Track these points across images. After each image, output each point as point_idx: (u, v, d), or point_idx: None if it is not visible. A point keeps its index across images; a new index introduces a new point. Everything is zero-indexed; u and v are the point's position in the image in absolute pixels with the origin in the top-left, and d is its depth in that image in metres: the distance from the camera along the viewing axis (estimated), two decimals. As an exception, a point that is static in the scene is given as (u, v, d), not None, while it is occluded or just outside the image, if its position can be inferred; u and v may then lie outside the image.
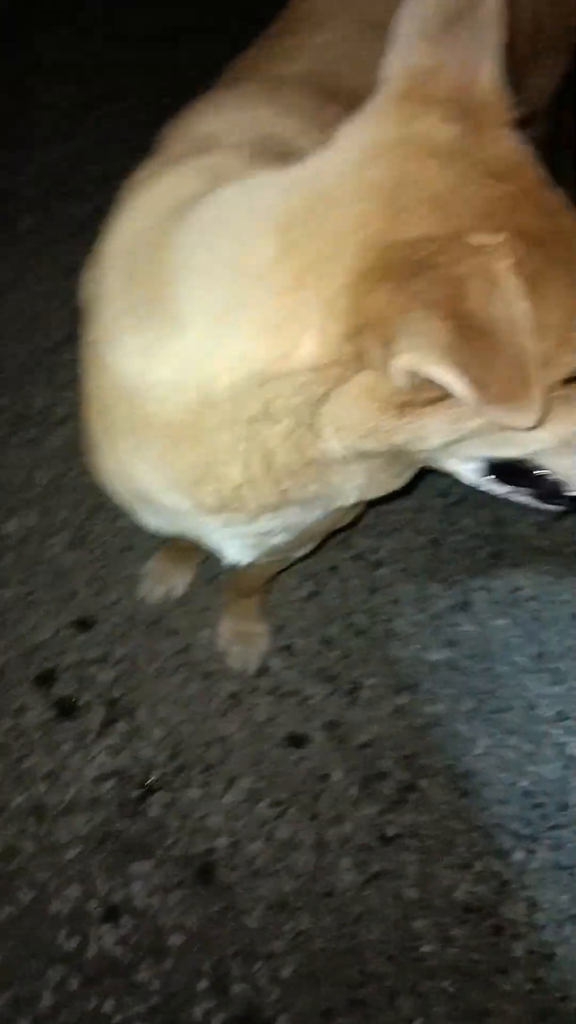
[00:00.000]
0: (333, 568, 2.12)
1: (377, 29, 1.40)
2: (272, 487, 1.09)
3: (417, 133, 0.93)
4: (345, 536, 2.14)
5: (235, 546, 1.37)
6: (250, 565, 1.50)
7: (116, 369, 1.09)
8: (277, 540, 1.34)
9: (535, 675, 2.03)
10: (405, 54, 0.97)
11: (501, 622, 2.08)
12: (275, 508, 1.15)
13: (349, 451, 1.01)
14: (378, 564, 2.13)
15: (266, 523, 1.22)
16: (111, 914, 1.78)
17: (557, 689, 2.02)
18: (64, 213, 2.57)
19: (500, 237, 0.85)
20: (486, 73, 0.96)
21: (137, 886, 1.81)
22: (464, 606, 2.10)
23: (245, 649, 1.99)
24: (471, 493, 2.20)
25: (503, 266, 0.83)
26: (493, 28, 0.95)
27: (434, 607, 2.09)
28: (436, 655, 2.04)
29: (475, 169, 0.91)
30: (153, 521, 1.37)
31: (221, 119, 1.25)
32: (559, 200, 0.96)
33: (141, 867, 1.82)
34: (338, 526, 1.58)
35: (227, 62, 1.55)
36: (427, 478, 2.20)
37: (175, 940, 1.77)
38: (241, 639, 1.99)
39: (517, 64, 1.64)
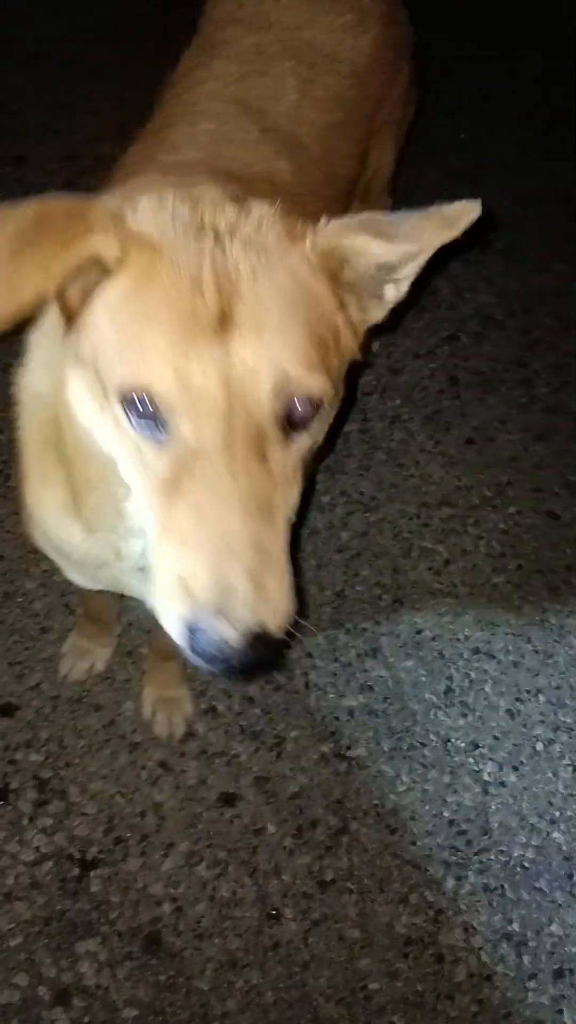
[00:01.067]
0: (246, 629, 2.21)
1: (250, 111, 1.59)
2: (101, 504, 1.24)
3: None
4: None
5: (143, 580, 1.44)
6: None
7: (38, 395, 1.30)
8: None
9: (445, 710, 2.16)
10: None
11: (409, 663, 2.21)
12: (128, 527, 1.26)
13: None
14: (289, 621, 2.23)
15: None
16: (62, 997, 1.77)
17: (467, 720, 2.15)
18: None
19: None
20: None
21: (85, 965, 1.81)
22: (373, 652, 2.22)
23: (169, 715, 2.04)
24: (368, 546, 2.35)
25: None
26: None
27: (346, 656, 2.20)
28: (352, 701, 2.15)
29: None
30: (79, 577, 1.50)
31: None
32: None
33: (87, 945, 1.83)
34: None
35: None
36: (323, 534, 2.34)
37: (129, 1014, 1.78)
38: (165, 706, 2.05)
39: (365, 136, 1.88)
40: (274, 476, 1.04)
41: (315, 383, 1.05)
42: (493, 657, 2.23)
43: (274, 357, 1.02)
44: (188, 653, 1.01)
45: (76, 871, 1.90)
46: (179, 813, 1.98)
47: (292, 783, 2.03)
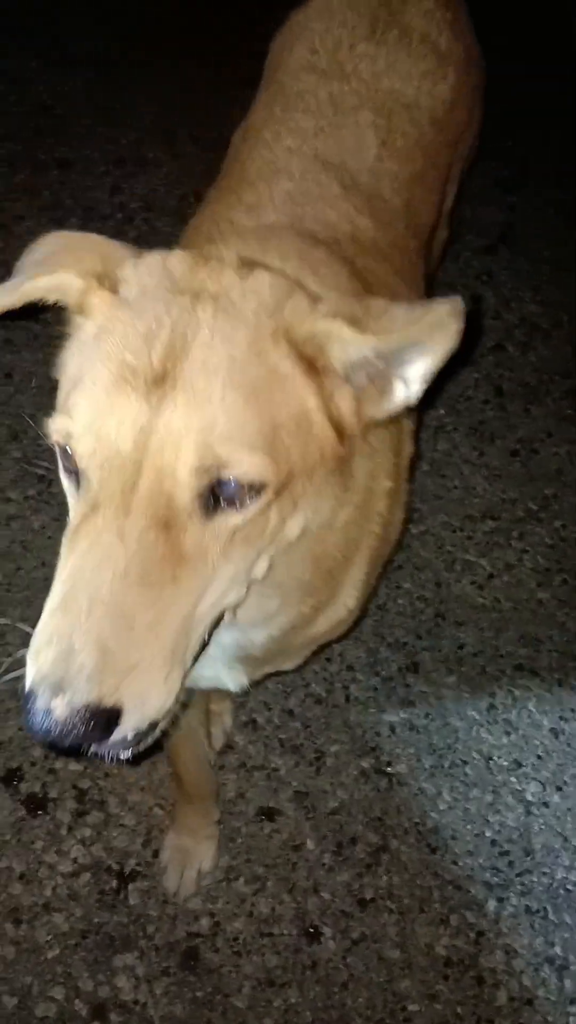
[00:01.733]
0: (287, 641, 2.19)
1: (330, 168, 1.54)
2: None
3: None
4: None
5: (232, 672, 1.39)
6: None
7: None
8: (258, 644, 1.33)
9: (488, 727, 2.12)
10: None
11: (451, 679, 2.18)
12: None
13: None
14: (329, 633, 2.21)
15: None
16: (98, 1012, 1.76)
17: (510, 739, 2.11)
18: None
19: None
20: None
21: (122, 979, 1.80)
22: (414, 667, 2.18)
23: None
24: (410, 558, 2.32)
25: None
26: None
27: (387, 670, 2.17)
28: (393, 716, 2.12)
29: None
30: None
31: None
32: None
33: (125, 959, 1.81)
34: (324, 638, 1.53)
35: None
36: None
37: (165, 1030, 1.76)
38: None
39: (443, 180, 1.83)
40: (182, 551, 0.96)
41: (250, 465, 0.97)
42: (537, 675, 2.19)
43: (203, 428, 0.95)
44: (24, 722, 0.93)
45: (114, 883, 1.89)
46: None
47: (332, 799, 2.01)
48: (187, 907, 1.87)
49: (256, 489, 0.98)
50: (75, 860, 1.90)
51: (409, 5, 1.80)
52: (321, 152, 1.59)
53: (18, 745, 2.00)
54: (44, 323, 2.66)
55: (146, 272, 1.07)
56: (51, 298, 1.08)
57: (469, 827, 2.01)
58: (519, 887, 1.95)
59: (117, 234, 2.86)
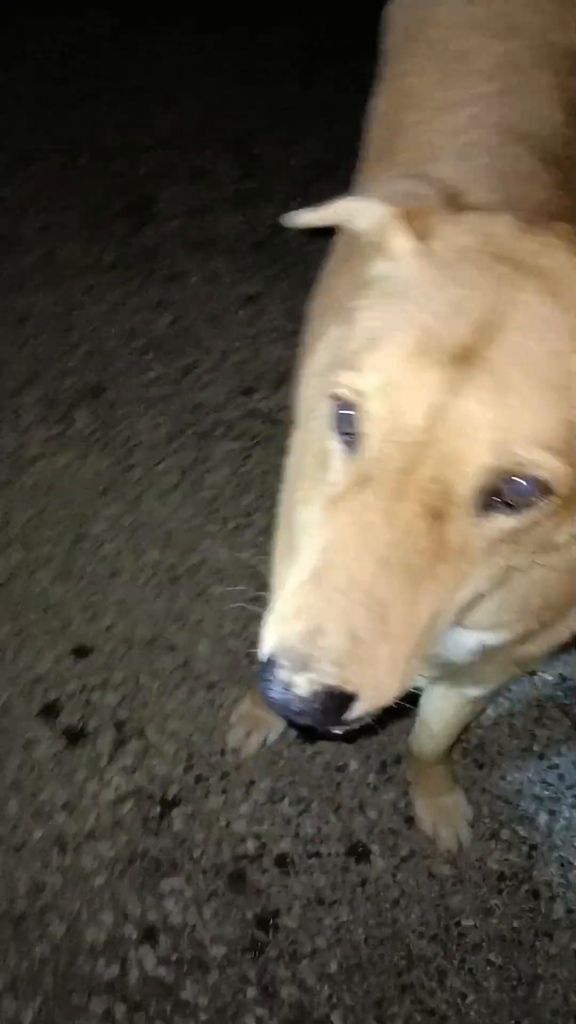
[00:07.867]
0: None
1: (522, 139, 1.38)
2: None
3: None
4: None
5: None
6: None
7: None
8: (465, 651, 1.19)
9: (531, 642, 2.07)
10: None
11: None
12: None
13: None
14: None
15: None
16: (148, 935, 1.75)
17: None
18: (9, 263, 2.62)
19: None
20: None
21: (170, 903, 1.78)
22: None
23: (453, 827, 1.89)
24: None
25: None
26: None
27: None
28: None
29: None
30: None
31: None
32: None
33: (172, 883, 1.80)
34: (523, 665, 1.38)
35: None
36: None
37: (216, 952, 1.74)
38: (444, 816, 1.89)
39: None
40: (446, 544, 0.88)
41: (548, 471, 0.86)
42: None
43: (505, 425, 0.85)
44: (259, 685, 0.92)
45: (157, 810, 1.87)
46: (259, 751, 1.93)
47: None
48: (232, 830, 1.85)
49: (541, 492, 0.89)
50: (117, 788, 1.88)
51: None
52: (509, 120, 1.40)
53: (54, 678, 1.99)
54: (55, 267, 2.63)
55: (464, 231, 0.93)
56: (356, 225, 0.97)
57: (516, 742, 1.97)
58: (571, 799, 1.91)
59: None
